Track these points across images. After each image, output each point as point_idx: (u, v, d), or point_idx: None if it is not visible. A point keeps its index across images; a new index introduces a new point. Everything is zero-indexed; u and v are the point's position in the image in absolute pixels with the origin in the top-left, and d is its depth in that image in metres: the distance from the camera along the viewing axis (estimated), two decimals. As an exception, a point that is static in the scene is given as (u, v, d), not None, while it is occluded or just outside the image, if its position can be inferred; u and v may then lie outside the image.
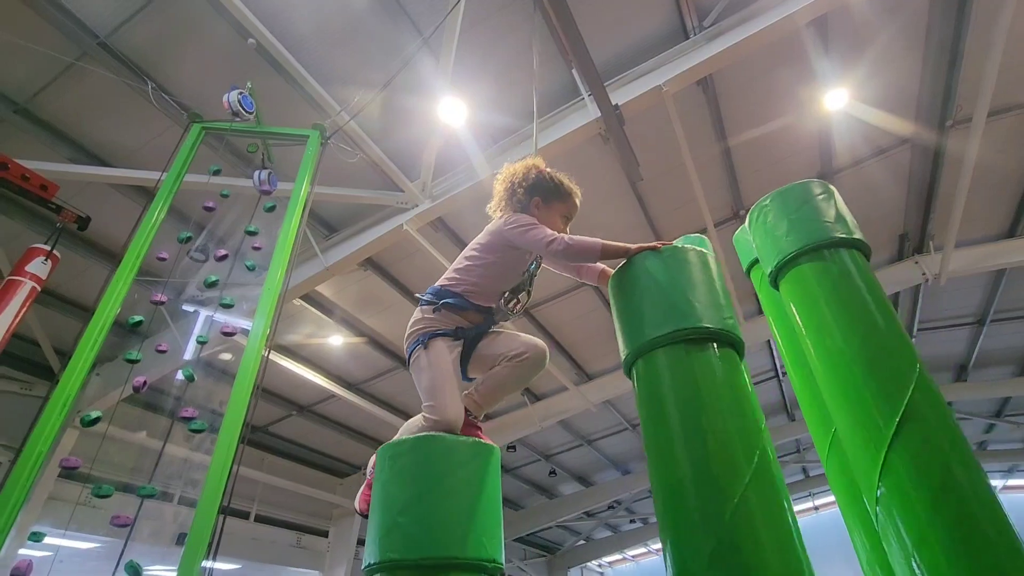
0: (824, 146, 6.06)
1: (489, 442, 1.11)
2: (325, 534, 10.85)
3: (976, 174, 6.00)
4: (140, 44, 4.37)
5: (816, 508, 19.50)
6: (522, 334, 1.77)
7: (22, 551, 5.86)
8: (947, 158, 6.28)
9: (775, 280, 1.37)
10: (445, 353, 1.67)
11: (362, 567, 0.97)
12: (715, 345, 1.01)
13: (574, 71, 4.75)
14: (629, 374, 1.10)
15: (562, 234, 1.59)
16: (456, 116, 4.81)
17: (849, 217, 1.33)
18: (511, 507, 15.08)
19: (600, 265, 1.96)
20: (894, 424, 0.98)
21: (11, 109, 4.50)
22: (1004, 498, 15.48)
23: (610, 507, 15.83)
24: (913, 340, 9.65)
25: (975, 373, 11.08)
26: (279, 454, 9.84)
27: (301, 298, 6.65)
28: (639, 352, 1.04)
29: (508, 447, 10.77)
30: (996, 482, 17.01)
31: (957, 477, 0.94)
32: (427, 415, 1.48)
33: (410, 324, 1.79)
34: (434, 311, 1.77)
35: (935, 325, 9.71)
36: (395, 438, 1.61)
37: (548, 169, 1.93)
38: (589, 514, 16.11)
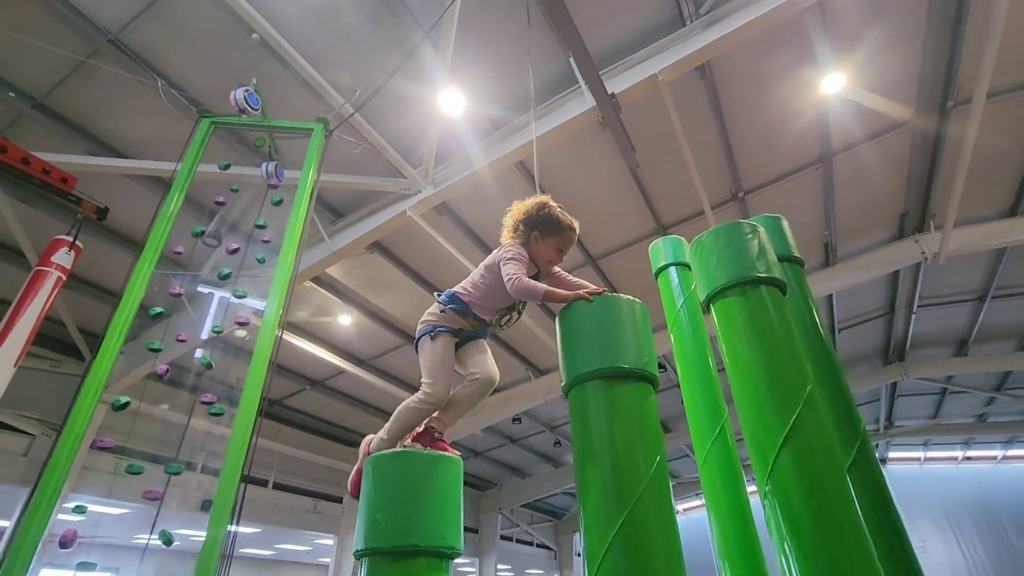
0: (823, 128, 6.09)
1: (454, 454, 1.35)
2: (340, 500, 11.40)
3: (978, 154, 6.01)
4: (148, 40, 4.51)
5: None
6: (489, 359, 2.04)
7: (61, 517, 6.31)
8: (948, 138, 6.30)
9: (707, 305, 1.59)
10: (446, 346, 2.02)
11: (352, 552, 1.23)
12: (631, 380, 1.25)
13: (571, 59, 4.81)
14: (566, 396, 1.34)
15: (520, 276, 1.84)
16: (455, 106, 4.93)
17: (771, 256, 1.53)
18: (518, 475, 15.64)
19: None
20: (784, 433, 1.21)
21: (30, 104, 4.69)
22: (1004, 468, 15.75)
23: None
24: (913, 317, 9.76)
25: (976, 348, 11.18)
26: (295, 426, 10.29)
27: (311, 280, 6.90)
28: (572, 383, 1.29)
29: (513, 419, 11.15)
30: (996, 452, 17.26)
31: (825, 480, 1.17)
32: (424, 390, 1.91)
33: (425, 313, 2.11)
34: (442, 311, 2.06)
35: (936, 301, 9.80)
36: (391, 418, 1.88)
37: (552, 205, 2.17)
38: (594, 482, 16.60)
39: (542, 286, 1.82)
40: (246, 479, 2.96)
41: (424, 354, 2.01)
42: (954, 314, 10.21)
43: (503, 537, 16.02)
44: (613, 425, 1.21)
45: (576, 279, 2.22)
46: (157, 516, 3.00)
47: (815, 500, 1.14)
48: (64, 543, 2.73)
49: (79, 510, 2.96)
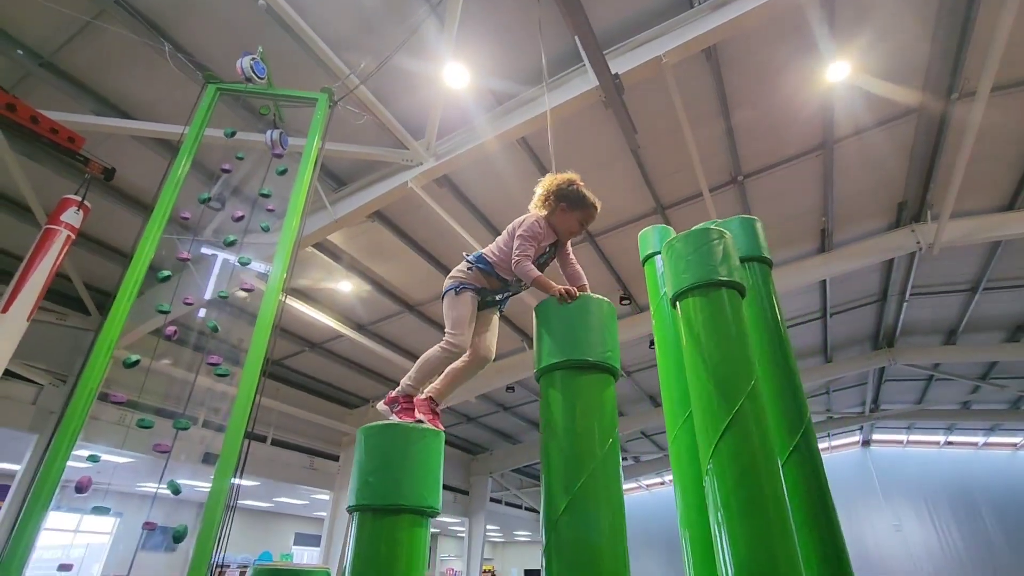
0: (826, 116, 6.10)
1: (439, 428, 1.51)
2: (336, 458, 11.80)
3: (979, 147, 6.05)
4: (156, 2, 4.51)
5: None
6: (493, 339, 2.21)
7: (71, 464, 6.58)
8: (951, 130, 6.32)
9: (673, 302, 1.73)
10: (470, 302, 2.20)
11: (346, 508, 1.42)
12: (593, 371, 1.42)
13: (576, 37, 4.82)
14: (538, 382, 1.50)
15: (525, 255, 1.98)
16: (459, 80, 4.96)
17: (733, 261, 1.65)
18: (510, 441, 16.08)
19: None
20: (726, 421, 1.37)
21: (36, 63, 4.72)
22: (984, 454, 16.13)
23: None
24: (905, 305, 9.89)
25: (964, 337, 11.38)
26: (293, 385, 10.57)
27: (313, 246, 7.02)
28: (543, 370, 1.45)
29: (507, 388, 11.44)
30: (977, 439, 17.68)
31: (758, 464, 1.34)
32: (448, 340, 2.09)
33: (454, 270, 2.30)
34: (469, 268, 2.24)
35: (929, 291, 9.94)
36: (415, 366, 2.07)
37: (580, 183, 2.36)
38: (583, 451, 17.06)
39: (535, 273, 1.99)
40: (249, 435, 3.15)
41: (449, 307, 2.19)
42: (945, 303, 10.36)
43: (493, 499, 16.59)
44: (575, 409, 1.39)
45: (574, 268, 2.41)
46: (165, 468, 3.21)
47: (747, 484, 1.31)
48: (80, 488, 2.94)
49: (92, 459, 3.16)
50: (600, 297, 1.63)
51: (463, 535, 16.08)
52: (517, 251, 2.09)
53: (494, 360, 8.69)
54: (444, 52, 4.73)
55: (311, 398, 10.94)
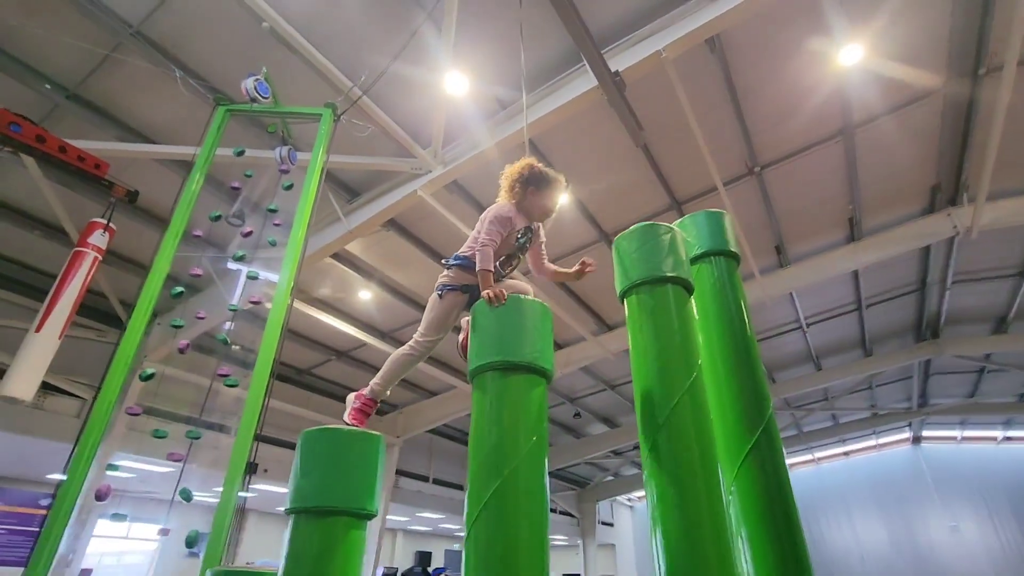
0: (843, 100, 5.89)
1: (374, 432, 1.55)
2: (368, 464, 11.98)
3: (1012, 124, 5.73)
4: (168, 30, 4.73)
5: (847, 454, 19.64)
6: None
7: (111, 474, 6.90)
8: (981, 107, 6.01)
9: (621, 298, 1.72)
10: (450, 304, 2.22)
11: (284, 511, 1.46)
12: (522, 372, 1.42)
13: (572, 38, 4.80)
14: (471, 382, 1.51)
15: (489, 243, 2.00)
16: (460, 87, 5.01)
17: (680, 256, 1.64)
18: (541, 444, 16.02)
19: (552, 268, 2.48)
20: (664, 416, 1.36)
21: (64, 95, 5.00)
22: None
23: (636, 447, 16.56)
24: (947, 293, 9.43)
25: (1017, 325, 10.75)
26: (322, 393, 10.83)
27: (331, 257, 7.19)
28: (475, 372, 1.47)
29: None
30: (1039, 433, 16.62)
31: (692, 460, 1.36)
32: (416, 339, 2.19)
33: (439, 276, 2.34)
34: (447, 268, 2.27)
35: (972, 277, 9.45)
36: (383, 368, 2.11)
37: (538, 165, 2.39)
38: (616, 452, 16.90)
39: (489, 265, 1.99)
40: (259, 437, 3.24)
41: (428, 310, 2.25)
42: (992, 290, 9.82)
43: (527, 503, 16.53)
44: (501, 408, 1.40)
45: (549, 266, 2.41)
46: (180, 476, 3.34)
47: (681, 480, 1.29)
48: (99, 496, 3.08)
49: (112, 468, 3.32)
50: (532, 299, 1.64)
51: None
52: (485, 235, 2.10)
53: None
54: (444, 60, 4.79)
55: (341, 405, 11.15)
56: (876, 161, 6.78)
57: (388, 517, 12.84)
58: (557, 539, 20.52)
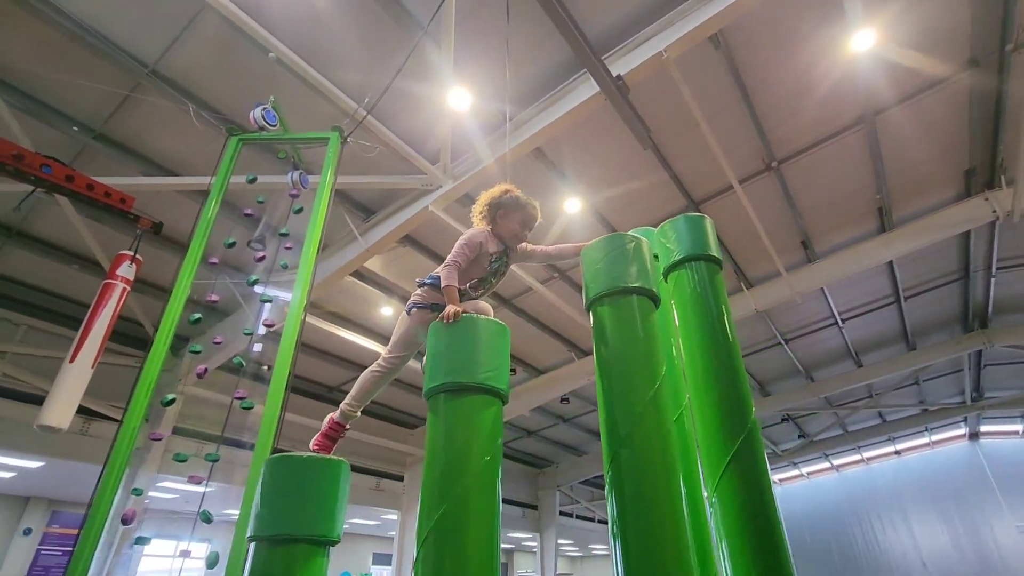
0: (860, 85, 5.68)
1: (337, 459, 1.55)
2: (401, 479, 12.10)
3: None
4: (182, 68, 4.94)
5: (898, 452, 18.77)
6: None
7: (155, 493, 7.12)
8: (1012, 84, 5.70)
9: (589, 305, 1.70)
10: (417, 322, 2.23)
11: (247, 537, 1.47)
12: (473, 393, 1.41)
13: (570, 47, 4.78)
14: (427, 400, 1.50)
15: (454, 264, 2.04)
16: (463, 102, 5.05)
17: (646, 266, 1.61)
18: (575, 453, 15.86)
19: (561, 249, 2.49)
20: (627, 428, 1.32)
21: (91, 135, 5.27)
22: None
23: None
24: (992, 280, 8.95)
25: (1073, 311, 10.11)
26: (354, 410, 10.99)
27: (352, 275, 7.32)
28: (429, 393, 1.47)
29: (561, 399, 11.33)
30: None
31: (655, 471, 1.33)
32: (383, 358, 2.20)
33: (412, 295, 2.35)
34: (419, 287, 2.29)
35: (1019, 263, 8.93)
36: (353, 389, 2.13)
37: (513, 190, 2.42)
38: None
39: (452, 282, 2.03)
40: (275, 452, 3.30)
41: (397, 327, 2.29)
42: (1043, 275, 9.26)
43: (563, 513, 16.36)
44: (453, 430, 1.39)
45: (546, 250, 2.45)
46: (203, 499, 3.43)
47: (642, 493, 1.25)
48: (125, 520, 3.19)
49: (136, 492, 3.44)
50: (488, 319, 1.62)
51: (537, 550, 15.96)
52: (451, 255, 2.13)
53: (544, 372, 8.65)
54: (446, 76, 4.85)
55: (372, 421, 11.32)
56: (901, 148, 6.51)
57: (424, 530, 12.87)
58: (597, 548, 20.19)
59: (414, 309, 2.20)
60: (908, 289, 9.37)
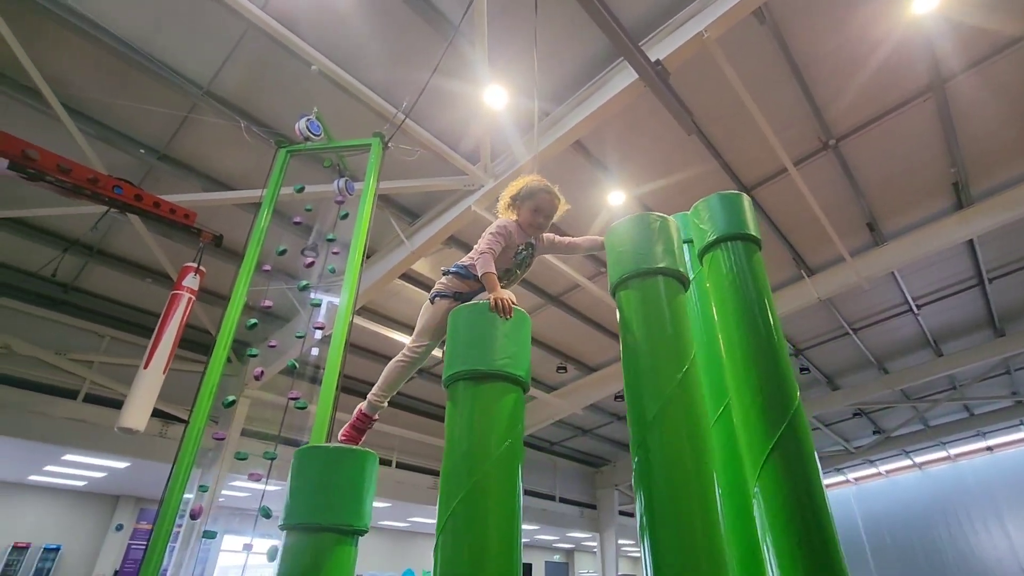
0: (925, 50, 5.26)
1: (365, 450, 1.55)
2: (458, 477, 12.25)
3: None
4: (234, 87, 5.20)
5: (990, 449, 17.29)
6: None
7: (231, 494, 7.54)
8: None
9: (614, 289, 1.64)
10: (441, 310, 2.21)
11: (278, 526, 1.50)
12: (494, 380, 1.39)
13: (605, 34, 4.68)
14: (446, 388, 1.49)
15: (489, 251, 2.02)
16: (499, 100, 5.05)
17: (672, 246, 1.53)
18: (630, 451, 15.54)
19: (592, 240, 2.46)
20: (654, 412, 1.25)
21: (156, 157, 5.64)
22: None
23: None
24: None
25: None
26: (409, 410, 11.24)
27: (400, 278, 7.48)
28: (450, 380, 1.46)
29: (616, 396, 11.16)
30: None
31: (684, 461, 1.26)
32: (409, 347, 2.18)
33: (436, 284, 2.37)
34: (444, 275, 2.29)
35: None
36: (380, 379, 2.15)
37: (535, 181, 2.41)
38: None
39: (490, 268, 1.99)
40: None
41: (420, 316, 2.27)
42: None
43: (623, 513, 16.08)
44: (472, 416, 1.37)
45: (574, 241, 2.45)
46: (263, 496, 3.59)
47: (672, 483, 1.18)
48: (193, 515, 3.39)
49: (203, 488, 3.64)
50: (519, 311, 1.60)
51: (597, 551, 15.77)
52: (484, 244, 2.11)
53: (595, 370, 8.54)
54: (482, 75, 4.86)
55: (427, 421, 11.53)
56: (977, 116, 5.98)
57: (482, 529, 13.00)
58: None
59: (438, 298, 2.19)
60: (992, 270, 8.60)
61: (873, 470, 18.87)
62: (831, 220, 6.87)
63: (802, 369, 11.03)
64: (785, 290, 8.44)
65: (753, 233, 1.75)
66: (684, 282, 1.54)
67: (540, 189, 2.37)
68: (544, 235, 2.42)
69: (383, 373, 2.20)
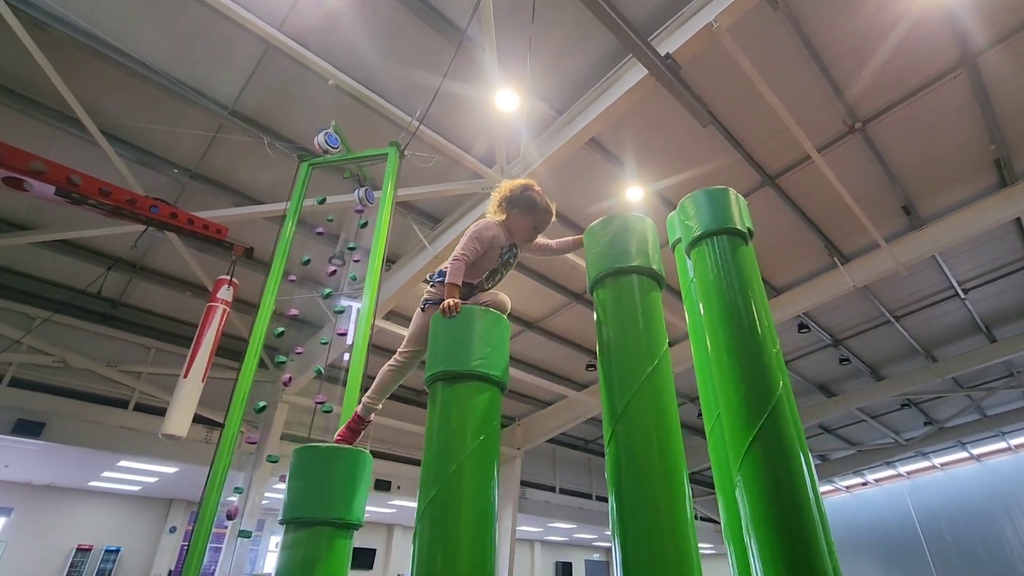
0: (950, 25, 5.03)
1: (358, 449, 1.63)
2: (493, 477, 12.35)
3: None
4: (257, 106, 5.42)
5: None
6: None
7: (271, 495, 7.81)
8: None
9: (591, 288, 1.66)
10: (428, 320, 2.19)
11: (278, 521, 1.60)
12: (469, 379, 1.44)
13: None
14: (428, 389, 1.54)
15: (462, 257, 2.10)
16: (510, 103, 5.10)
17: (646, 245, 1.55)
18: (669, 448, 15.34)
19: (574, 240, 2.50)
20: (623, 404, 1.28)
21: (188, 176, 5.93)
22: None
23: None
24: None
25: None
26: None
27: (424, 282, 7.61)
28: (429, 380, 1.55)
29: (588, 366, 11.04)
30: None
31: (649, 448, 1.29)
32: (398, 353, 2.22)
33: (424, 291, 2.41)
34: (432, 285, 2.31)
35: None
36: (376, 378, 2.23)
37: (535, 188, 2.42)
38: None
39: (456, 278, 2.04)
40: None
41: (412, 322, 2.31)
42: None
43: (662, 510, 15.86)
44: (448, 414, 1.43)
45: (551, 245, 2.48)
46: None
47: (638, 474, 1.20)
48: (230, 516, 3.56)
49: (238, 491, 3.82)
50: (488, 310, 1.64)
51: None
52: (460, 249, 2.13)
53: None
54: (492, 78, 4.92)
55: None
56: (1012, 92, 5.68)
57: (519, 528, 13.08)
58: (703, 546, 19.38)
59: (428, 305, 2.24)
60: (1044, 251, 8.14)
61: (927, 463, 18.03)
62: (862, 205, 6.64)
63: (841, 360, 10.67)
64: (818, 279, 8.21)
65: (738, 227, 1.75)
66: (659, 280, 1.57)
67: (542, 209, 2.37)
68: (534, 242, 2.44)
69: (376, 378, 2.26)
